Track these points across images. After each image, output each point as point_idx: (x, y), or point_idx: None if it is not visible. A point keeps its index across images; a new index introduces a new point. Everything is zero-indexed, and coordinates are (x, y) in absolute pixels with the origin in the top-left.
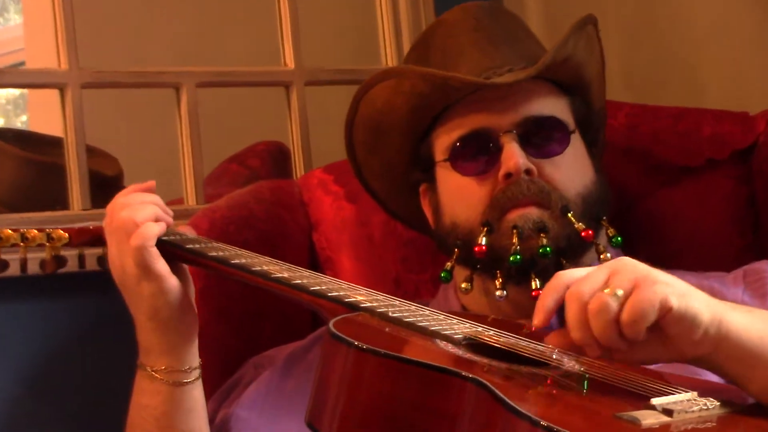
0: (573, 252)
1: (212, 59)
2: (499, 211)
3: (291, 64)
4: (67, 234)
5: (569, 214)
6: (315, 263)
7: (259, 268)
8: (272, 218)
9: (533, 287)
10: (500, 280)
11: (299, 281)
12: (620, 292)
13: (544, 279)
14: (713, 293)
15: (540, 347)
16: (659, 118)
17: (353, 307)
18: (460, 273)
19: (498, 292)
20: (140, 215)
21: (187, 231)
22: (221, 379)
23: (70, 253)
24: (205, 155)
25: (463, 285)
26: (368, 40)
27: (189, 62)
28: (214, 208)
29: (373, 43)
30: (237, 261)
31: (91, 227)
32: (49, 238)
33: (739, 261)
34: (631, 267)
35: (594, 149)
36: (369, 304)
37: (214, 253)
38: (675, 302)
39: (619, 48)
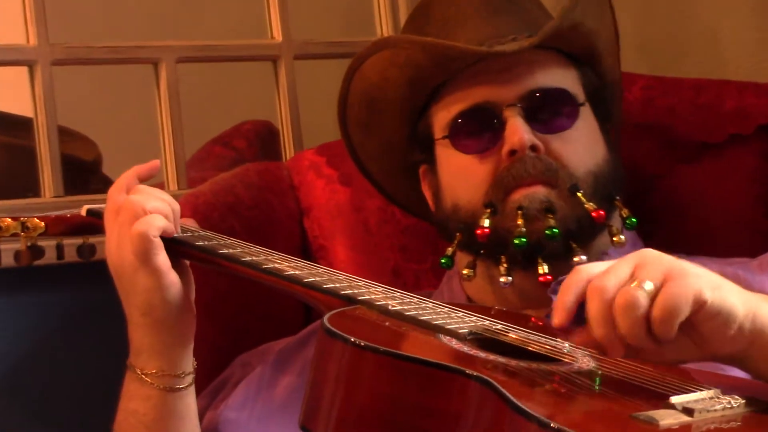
0: (583, 234)
1: (193, 32)
2: (502, 191)
3: (279, 36)
4: (43, 223)
5: (579, 194)
6: (307, 252)
7: (250, 259)
8: (260, 204)
9: (540, 272)
10: (505, 266)
11: (292, 272)
12: (650, 286)
13: (552, 264)
14: (738, 281)
15: (551, 342)
16: (678, 91)
17: (350, 299)
18: (463, 259)
19: (502, 279)
20: (151, 204)
21: (189, 224)
22: (208, 378)
23: (48, 243)
24: (187, 136)
25: (465, 271)
26: (362, 10)
27: (168, 36)
28: (197, 193)
29: (367, 13)
30: (225, 251)
31: (68, 215)
32: (24, 227)
33: (764, 245)
34: (658, 258)
35: (608, 124)
36: (367, 297)
37: (201, 243)
38: (709, 295)
39: (634, 15)
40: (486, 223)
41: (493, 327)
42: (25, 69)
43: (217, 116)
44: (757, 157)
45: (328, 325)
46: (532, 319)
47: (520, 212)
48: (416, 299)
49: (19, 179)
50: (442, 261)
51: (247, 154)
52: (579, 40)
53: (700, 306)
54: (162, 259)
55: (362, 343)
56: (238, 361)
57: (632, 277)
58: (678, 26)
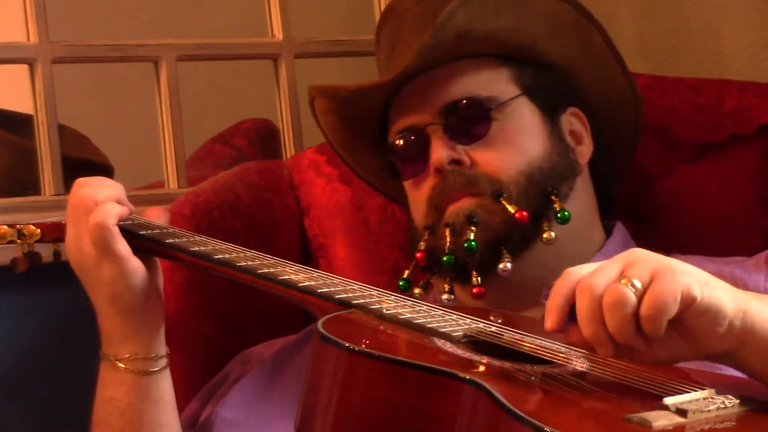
0: (513, 238)
1: (194, 30)
2: (436, 211)
3: (279, 35)
4: (39, 230)
5: (502, 198)
6: (306, 251)
7: (243, 264)
8: (260, 203)
9: (474, 283)
10: (447, 285)
11: (287, 277)
12: (638, 284)
13: (486, 274)
14: (734, 281)
15: (546, 344)
16: (678, 91)
17: (345, 304)
18: (423, 278)
19: (444, 296)
20: (101, 194)
21: (161, 217)
22: (206, 376)
23: (44, 245)
24: (187, 135)
25: (417, 291)
26: (362, 9)
27: (168, 34)
28: (197, 191)
29: (367, 12)
30: (219, 256)
31: (64, 222)
32: (20, 234)
33: (765, 244)
34: (646, 257)
35: (558, 112)
36: (362, 301)
37: (170, 240)
38: (698, 292)
39: (633, 15)
40: (422, 246)
41: (487, 329)
42: (25, 67)
43: (218, 114)
44: (758, 157)
45: (323, 330)
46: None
47: (448, 229)
48: (411, 302)
49: (20, 176)
50: (400, 284)
51: (247, 152)
52: (485, 43)
53: (688, 303)
54: (123, 246)
55: (356, 348)
56: (237, 358)
57: (621, 275)
58: (678, 26)
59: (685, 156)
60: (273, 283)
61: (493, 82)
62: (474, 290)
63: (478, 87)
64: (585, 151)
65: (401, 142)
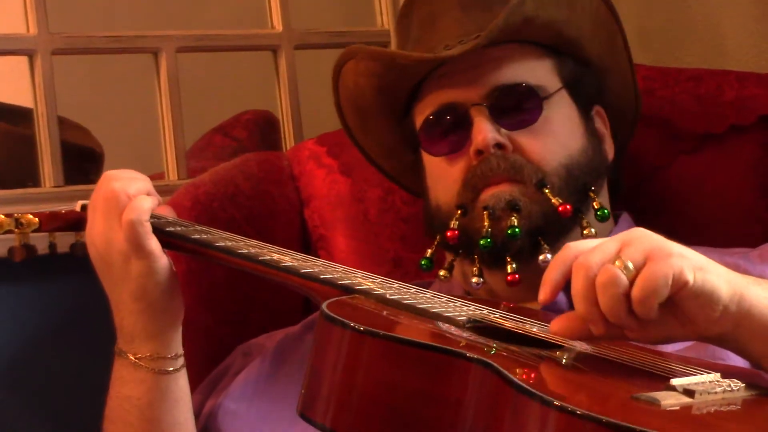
0: (552, 230)
1: (193, 22)
2: (472, 191)
3: (279, 26)
4: (37, 219)
5: (546, 189)
6: (307, 242)
7: (246, 251)
8: (260, 194)
9: (508, 271)
10: (477, 267)
11: (289, 263)
12: (631, 265)
13: (521, 262)
14: (737, 271)
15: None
16: (678, 82)
17: (347, 289)
18: (448, 259)
19: (474, 279)
20: (133, 187)
21: (166, 212)
22: (207, 369)
23: (41, 235)
24: (187, 126)
25: (441, 272)
26: (361, 0)
27: (168, 25)
28: (197, 183)
29: (367, 3)
30: (221, 244)
31: (63, 211)
32: (18, 223)
33: (765, 235)
34: (644, 238)
35: (592, 111)
36: (365, 286)
37: (197, 236)
38: (690, 276)
39: (634, 5)
40: (455, 225)
41: (491, 315)
42: (25, 58)
43: (217, 106)
44: (758, 147)
45: (327, 311)
46: (503, 304)
47: (486, 212)
48: (414, 289)
49: (22, 168)
50: (422, 263)
51: (247, 143)
52: (541, 31)
53: (680, 287)
54: (154, 243)
55: (362, 328)
56: (238, 350)
57: (617, 255)
58: (678, 16)
59: (685, 147)
60: (275, 270)
61: (539, 71)
62: (509, 277)
63: (528, 74)
64: (609, 149)
65: (440, 117)
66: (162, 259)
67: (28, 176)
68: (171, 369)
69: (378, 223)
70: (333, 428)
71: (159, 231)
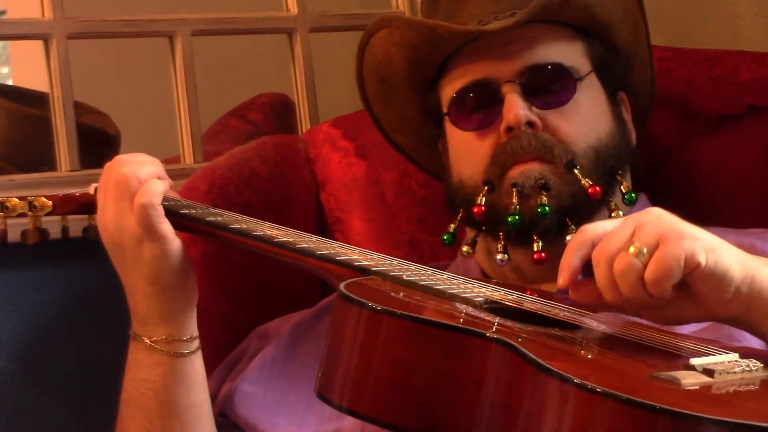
0: (580, 211)
1: (209, 5)
2: (500, 168)
3: (294, 9)
4: (50, 202)
5: (575, 170)
6: (323, 225)
7: (262, 233)
8: (276, 177)
9: (535, 250)
10: (502, 243)
11: (305, 245)
12: (644, 250)
13: (548, 241)
14: (754, 251)
15: (568, 310)
16: (694, 63)
17: (364, 271)
18: (470, 235)
19: (498, 256)
20: (144, 171)
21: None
22: (222, 351)
23: (54, 219)
24: (203, 110)
25: (465, 248)
26: None
27: (183, 9)
28: (213, 167)
29: None
30: (237, 226)
31: (77, 194)
32: (32, 206)
33: None
34: (657, 220)
35: (618, 96)
36: (381, 268)
37: (212, 218)
38: (702, 258)
39: None
40: (482, 200)
41: (509, 296)
42: (40, 43)
43: (233, 89)
44: None
45: (345, 291)
46: (528, 291)
47: (515, 190)
48: (431, 271)
49: (38, 151)
50: (444, 237)
51: (263, 127)
52: (577, 13)
53: (692, 268)
54: (167, 226)
55: (379, 308)
56: (254, 333)
57: (630, 239)
58: None
59: (701, 128)
60: (291, 251)
61: (571, 53)
62: (535, 255)
63: (561, 55)
64: (631, 135)
65: (471, 92)
66: (175, 242)
67: (44, 161)
68: (186, 351)
69: (394, 205)
70: (351, 409)
71: (173, 213)
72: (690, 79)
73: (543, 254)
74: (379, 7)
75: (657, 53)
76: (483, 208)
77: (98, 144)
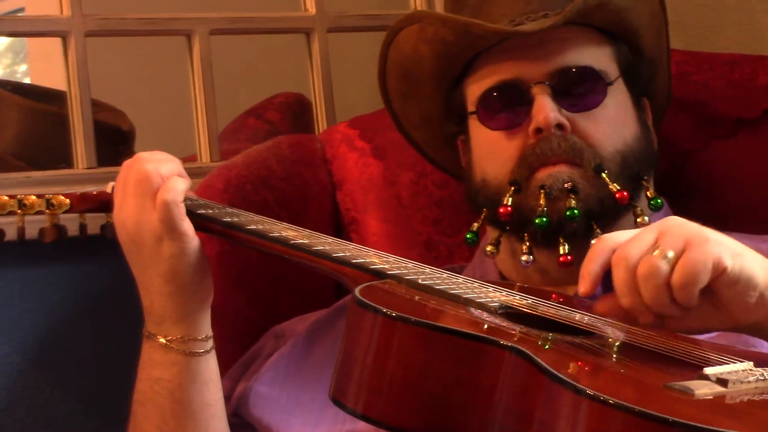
0: (606, 215)
1: (226, 4)
2: (527, 169)
3: (312, 9)
4: (68, 200)
5: (603, 174)
6: (339, 225)
7: (278, 235)
8: (292, 177)
9: (561, 252)
10: (527, 244)
11: (321, 248)
12: (671, 254)
13: (574, 244)
14: None
15: (583, 316)
16: (712, 67)
17: (380, 274)
18: (492, 235)
19: (524, 257)
20: (165, 168)
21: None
22: (238, 350)
23: (71, 216)
24: (220, 109)
25: (489, 248)
26: None
27: (201, 8)
28: (230, 165)
29: None
30: (253, 227)
31: (94, 192)
32: (49, 204)
33: None
34: (680, 226)
35: (643, 101)
36: (397, 271)
37: (228, 219)
38: (729, 262)
39: None
40: (509, 201)
41: (524, 301)
42: (58, 41)
43: (250, 89)
44: None
45: (360, 297)
46: (553, 296)
47: (542, 192)
48: (446, 274)
49: (55, 148)
50: (468, 236)
51: (280, 126)
52: (609, 16)
53: (719, 273)
54: (188, 224)
55: (394, 314)
56: (270, 333)
57: (655, 245)
58: (713, 2)
59: (719, 132)
60: (307, 253)
61: (601, 57)
62: (561, 258)
63: (592, 58)
64: (655, 141)
65: (500, 91)
66: (194, 241)
67: (61, 158)
68: (201, 351)
69: (410, 206)
70: (365, 414)
71: (191, 213)
72: (708, 83)
73: (569, 257)
74: (397, 7)
75: (675, 57)
76: (509, 208)
77: (113, 140)
